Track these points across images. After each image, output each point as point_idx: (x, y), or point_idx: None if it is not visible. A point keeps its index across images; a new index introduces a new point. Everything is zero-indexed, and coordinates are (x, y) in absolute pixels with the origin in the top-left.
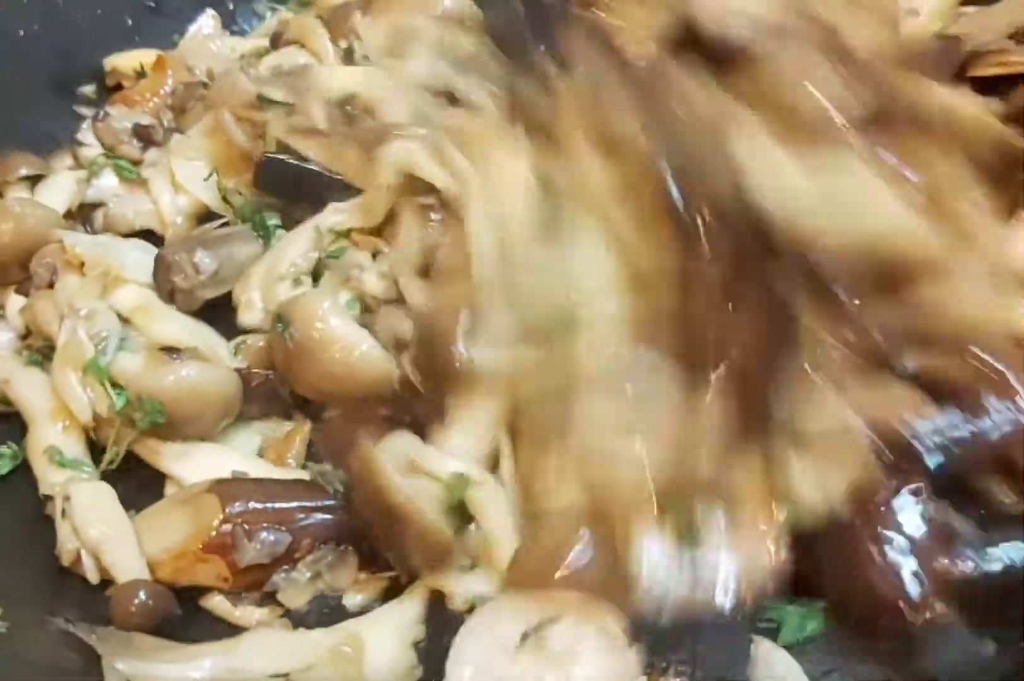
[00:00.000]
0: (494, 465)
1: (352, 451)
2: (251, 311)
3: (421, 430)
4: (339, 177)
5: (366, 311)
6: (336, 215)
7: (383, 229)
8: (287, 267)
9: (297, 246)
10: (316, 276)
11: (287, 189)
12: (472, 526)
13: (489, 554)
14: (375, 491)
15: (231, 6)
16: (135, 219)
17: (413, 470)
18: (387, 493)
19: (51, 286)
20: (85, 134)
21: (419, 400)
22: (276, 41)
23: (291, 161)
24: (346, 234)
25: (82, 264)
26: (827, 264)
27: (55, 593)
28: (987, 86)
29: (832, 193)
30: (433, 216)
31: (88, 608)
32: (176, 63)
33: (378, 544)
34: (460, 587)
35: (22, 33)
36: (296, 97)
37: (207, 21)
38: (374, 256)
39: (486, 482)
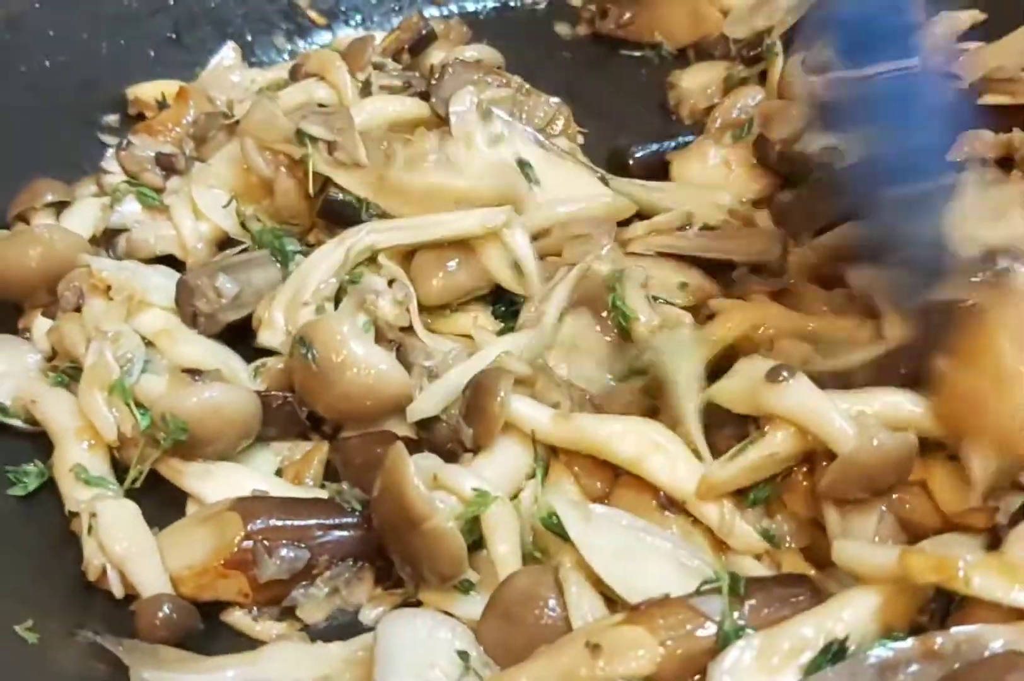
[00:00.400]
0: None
1: (374, 465)
2: (272, 331)
3: (440, 455)
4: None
5: (379, 334)
6: (372, 234)
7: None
8: (311, 293)
9: (321, 271)
10: (336, 299)
11: (346, 222)
12: (483, 552)
13: (494, 579)
14: (398, 495)
15: (250, 38)
16: (156, 244)
17: (436, 486)
18: (410, 498)
19: (78, 309)
20: (109, 162)
21: (440, 425)
22: (295, 74)
23: (348, 199)
24: (373, 257)
25: (108, 288)
26: None
27: (82, 607)
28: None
29: None
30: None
31: (114, 622)
32: (197, 94)
33: (392, 554)
34: (460, 610)
35: (47, 63)
36: (336, 134)
37: (228, 53)
38: (390, 283)
39: (504, 504)
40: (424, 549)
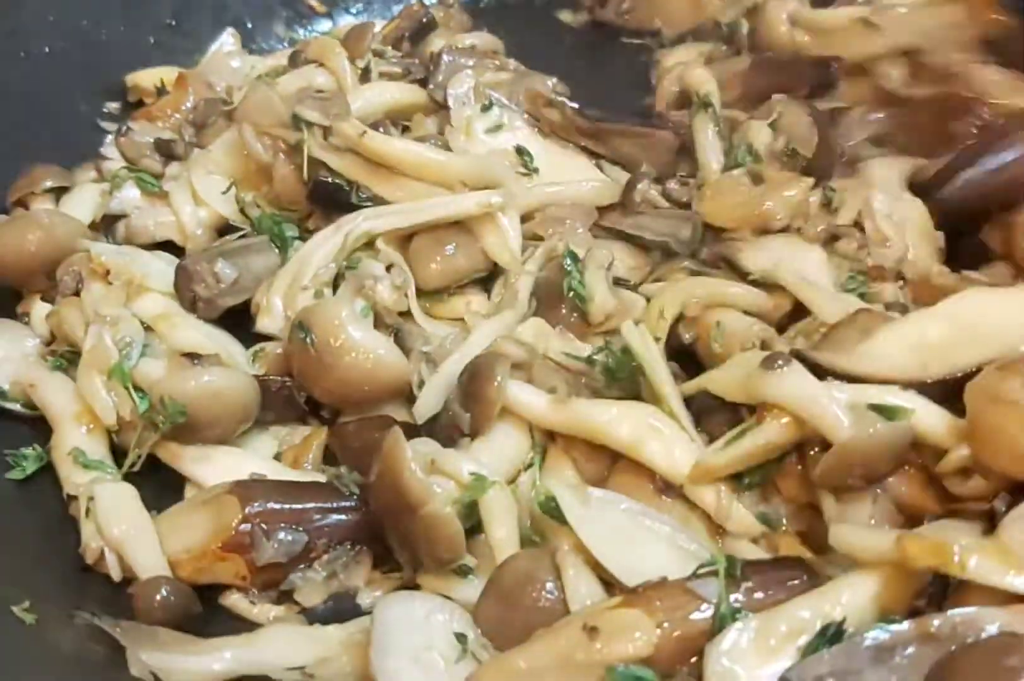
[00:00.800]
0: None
1: (372, 449)
2: (271, 317)
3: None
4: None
5: (378, 319)
6: (369, 221)
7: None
8: (310, 278)
9: (319, 257)
10: (334, 285)
11: (336, 204)
12: (481, 536)
13: (492, 563)
14: (395, 480)
15: (250, 25)
16: (156, 230)
17: (433, 471)
18: (407, 483)
19: (77, 294)
20: (108, 148)
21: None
22: (295, 60)
23: (338, 182)
24: (371, 242)
25: (107, 273)
26: None
27: (80, 589)
28: None
29: None
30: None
31: (111, 604)
32: (196, 80)
33: (390, 538)
34: (458, 594)
35: (47, 50)
36: (332, 119)
37: (227, 39)
38: (388, 268)
39: (502, 488)
40: (422, 534)
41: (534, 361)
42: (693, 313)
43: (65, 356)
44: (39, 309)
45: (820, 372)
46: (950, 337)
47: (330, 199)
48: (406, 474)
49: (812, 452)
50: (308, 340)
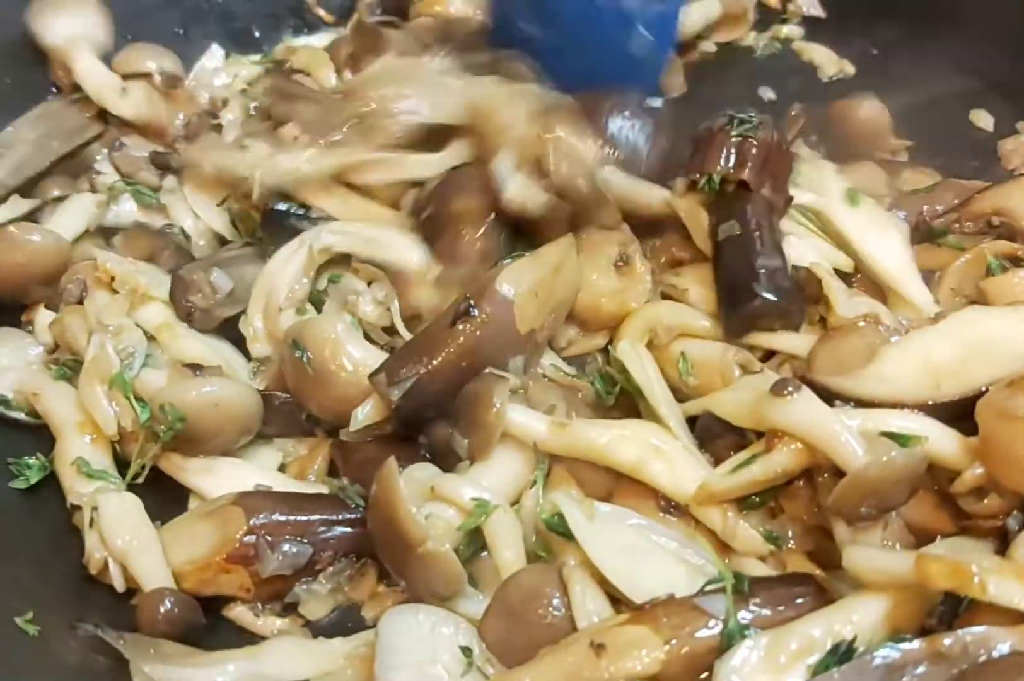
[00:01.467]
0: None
1: (373, 464)
2: (260, 341)
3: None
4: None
5: (366, 334)
6: (330, 235)
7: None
8: (283, 298)
9: (289, 274)
10: (313, 300)
11: (292, 229)
12: (485, 553)
13: (497, 579)
14: (391, 518)
15: (257, 35)
16: None
17: (433, 498)
18: (403, 523)
19: (80, 302)
20: (102, 164)
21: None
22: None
23: (290, 210)
24: (345, 259)
25: (112, 280)
26: None
27: (83, 600)
28: None
29: None
30: None
31: (115, 616)
32: (182, 95)
33: (388, 568)
34: (462, 608)
35: None
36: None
37: (217, 51)
38: (369, 283)
39: (505, 512)
40: (420, 571)
41: (530, 381)
42: (663, 341)
43: (68, 365)
44: (43, 317)
45: (827, 396)
46: (961, 356)
47: (284, 225)
48: (401, 513)
49: (822, 478)
50: (303, 358)
